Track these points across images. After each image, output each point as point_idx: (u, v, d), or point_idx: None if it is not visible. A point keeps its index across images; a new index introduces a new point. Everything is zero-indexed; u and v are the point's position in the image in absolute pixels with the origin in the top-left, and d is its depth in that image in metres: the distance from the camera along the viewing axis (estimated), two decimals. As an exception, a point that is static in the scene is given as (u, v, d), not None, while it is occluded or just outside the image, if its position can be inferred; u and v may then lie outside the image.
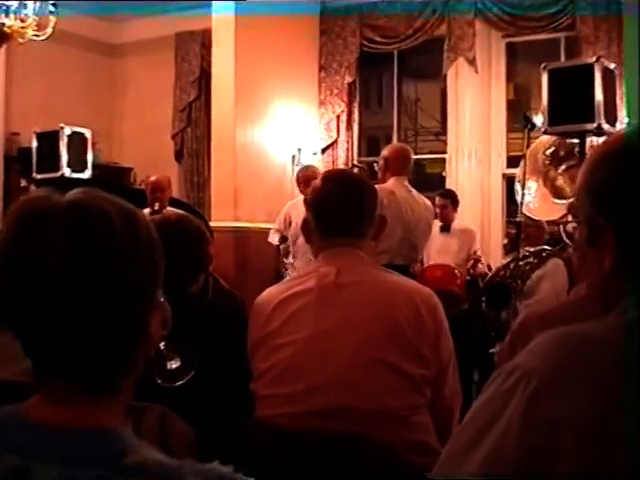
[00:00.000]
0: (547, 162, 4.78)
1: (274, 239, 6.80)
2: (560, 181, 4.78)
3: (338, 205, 2.21)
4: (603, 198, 0.96)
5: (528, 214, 4.89)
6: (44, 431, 0.95)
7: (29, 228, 0.96)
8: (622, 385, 0.86)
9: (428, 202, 5.19)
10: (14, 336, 1.00)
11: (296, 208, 6.75)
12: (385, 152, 5.10)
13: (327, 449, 1.91)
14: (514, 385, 0.91)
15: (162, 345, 1.80)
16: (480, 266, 6.38)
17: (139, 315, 1.00)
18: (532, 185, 4.81)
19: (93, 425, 0.96)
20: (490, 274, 5.53)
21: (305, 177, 6.28)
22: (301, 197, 6.74)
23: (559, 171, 4.76)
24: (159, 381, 1.83)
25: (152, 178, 6.57)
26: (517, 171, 5.49)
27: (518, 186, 4.81)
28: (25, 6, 5.64)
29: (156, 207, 5.94)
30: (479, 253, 6.57)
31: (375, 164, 5.29)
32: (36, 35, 5.75)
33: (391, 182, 4.88)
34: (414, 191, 5.03)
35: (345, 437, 1.92)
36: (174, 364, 1.88)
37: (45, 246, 0.94)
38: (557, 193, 4.76)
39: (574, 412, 0.85)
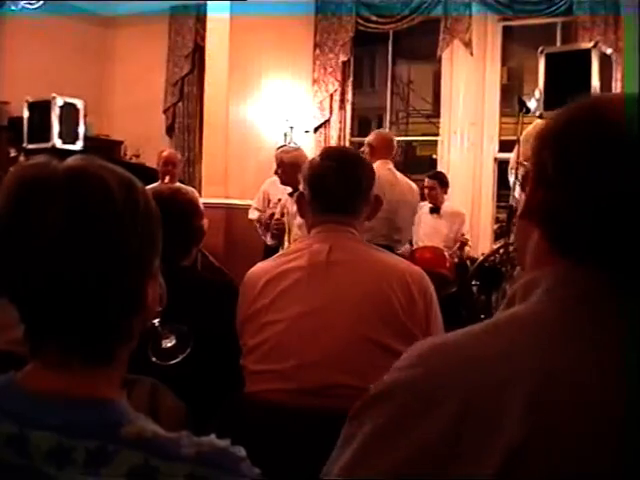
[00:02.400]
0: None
1: (254, 215, 6.80)
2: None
3: (335, 181, 2.21)
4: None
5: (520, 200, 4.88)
6: (41, 399, 0.95)
7: (28, 194, 0.95)
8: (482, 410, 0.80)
9: (414, 186, 5.25)
10: (3, 305, 0.99)
11: (274, 186, 6.75)
12: (370, 139, 5.23)
13: (316, 425, 1.91)
14: (373, 402, 0.90)
15: (157, 323, 1.80)
16: (467, 249, 6.39)
17: (136, 283, 1.00)
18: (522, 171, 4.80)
19: (90, 394, 0.96)
20: (480, 259, 5.53)
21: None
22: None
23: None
24: (153, 359, 1.82)
25: (165, 153, 6.58)
26: (510, 155, 5.48)
27: (511, 172, 4.80)
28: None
29: (166, 181, 5.92)
30: (467, 236, 6.57)
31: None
32: (29, 3, 5.68)
33: (376, 165, 4.93)
34: (398, 173, 5.11)
35: (334, 413, 1.92)
36: (169, 343, 1.88)
37: (44, 212, 0.93)
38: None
39: (431, 435, 0.81)
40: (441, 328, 2.19)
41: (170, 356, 1.88)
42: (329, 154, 2.36)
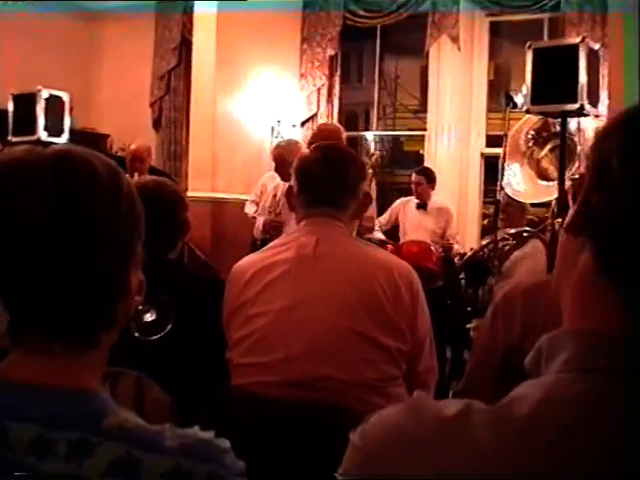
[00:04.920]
0: (530, 143, 4.78)
1: (251, 210, 6.78)
2: (545, 162, 4.78)
3: (322, 174, 2.21)
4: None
5: (514, 197, 4.89)
6: (22, 391, 0.94)
7: (15, 174, 0.96)
8: None
9: None
10: None
11: (272, 180, 6.73)
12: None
13: (302, 417, 1.91)
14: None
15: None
16: (455, 248, 6.37)
17: (120, 266, 1.00)
18: (515, 167, 4.80)
19: (72, 385, 0.95)
20: (468, 254, 5.53)
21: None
22: None
23: (543, 152, 4.75)
24: (136, 334, 1.79)
25: (132, 147, 6.50)
26: (497, 150, 5.48)
27: (501, 166, 4.81)
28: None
29: (135, 177, 5.89)
30: (456, 237, 6.54)
31: None
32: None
33: None
34: None
35: (320, 405, 1.92)
36: (150, 317, 1.84)
37: (30, 191, 0.94)
38: (542, 174, 4.76)
39: None
40: (428, 323, 2.20)
41: (153, 331, 1.84)
42: (318, 147, 2.37)
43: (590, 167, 0.75)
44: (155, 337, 1.81)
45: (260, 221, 6.13)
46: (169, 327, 1.81)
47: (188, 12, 8.37)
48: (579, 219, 0.75)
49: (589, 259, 0.73)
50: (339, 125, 5.91)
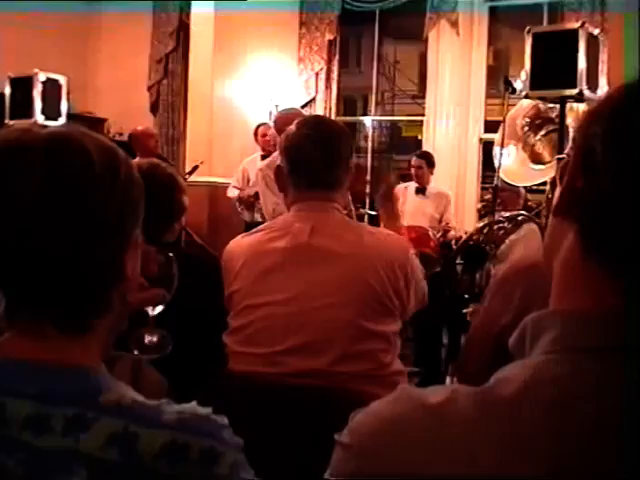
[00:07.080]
0: (526, 128, 4.77)
1: (233, 193, 6.79)
2: (539, 147, 4.77)
3: (312, 152, 2.11)
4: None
5: (505, 178, 4.88)
6: (17, 368, 0.94)
7: (8, 156, 0.94)
8: None
9: None
10: None
11: (254, 164, 6.73)
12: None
13: (301, 402, 1.90)
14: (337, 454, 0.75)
15: (151, 310, 1.76)
16: (452, 233, 6.37)
17: (114, 251, 0.98)
18: (512, 150, 4.79)
19: (68, 362, 0.95)
20: (463, 238, 5.53)
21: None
22: (257, 154, 6.75)
23: (538, 137, 4.74)
24: (135, 352, 1.79)
25: (139, 128, 6.52)
26: (495, 136, 5.47)
27: (497, 150, 4.79)
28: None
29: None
30: (452, 224, 6.54)
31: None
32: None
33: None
34: None
35: (319, 390, 1.91)
36: (153, 338, 1.84)
37: (22, 177, 0.92)
38: (535, 159, 4.75)
39: None
40: (416, 302, 2.16)
41: (151, 351, 1.83)
42: (304, 122, 2.23)
43: (575, 150, 0.76)
44: (152, 356, 1.81)
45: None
46: (166, 352, 1.80)
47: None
48: (564, 202, 0.76)
49: (575, 241, 0.73)
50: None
